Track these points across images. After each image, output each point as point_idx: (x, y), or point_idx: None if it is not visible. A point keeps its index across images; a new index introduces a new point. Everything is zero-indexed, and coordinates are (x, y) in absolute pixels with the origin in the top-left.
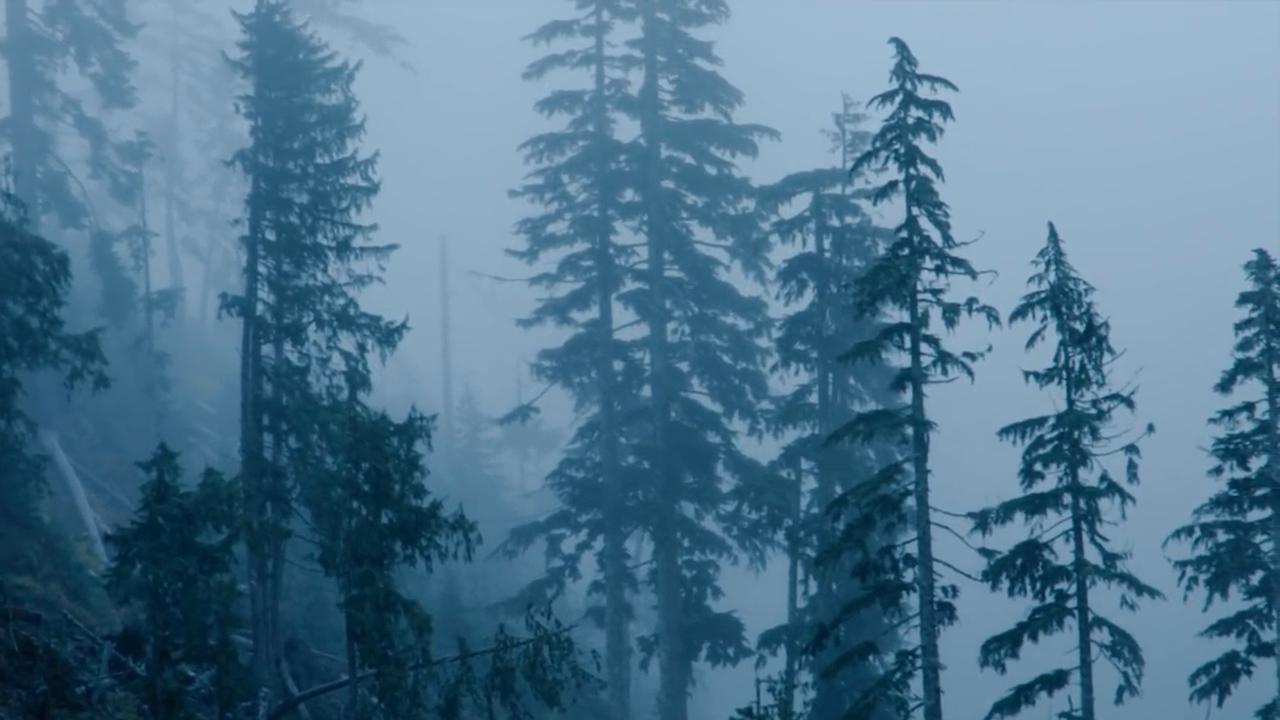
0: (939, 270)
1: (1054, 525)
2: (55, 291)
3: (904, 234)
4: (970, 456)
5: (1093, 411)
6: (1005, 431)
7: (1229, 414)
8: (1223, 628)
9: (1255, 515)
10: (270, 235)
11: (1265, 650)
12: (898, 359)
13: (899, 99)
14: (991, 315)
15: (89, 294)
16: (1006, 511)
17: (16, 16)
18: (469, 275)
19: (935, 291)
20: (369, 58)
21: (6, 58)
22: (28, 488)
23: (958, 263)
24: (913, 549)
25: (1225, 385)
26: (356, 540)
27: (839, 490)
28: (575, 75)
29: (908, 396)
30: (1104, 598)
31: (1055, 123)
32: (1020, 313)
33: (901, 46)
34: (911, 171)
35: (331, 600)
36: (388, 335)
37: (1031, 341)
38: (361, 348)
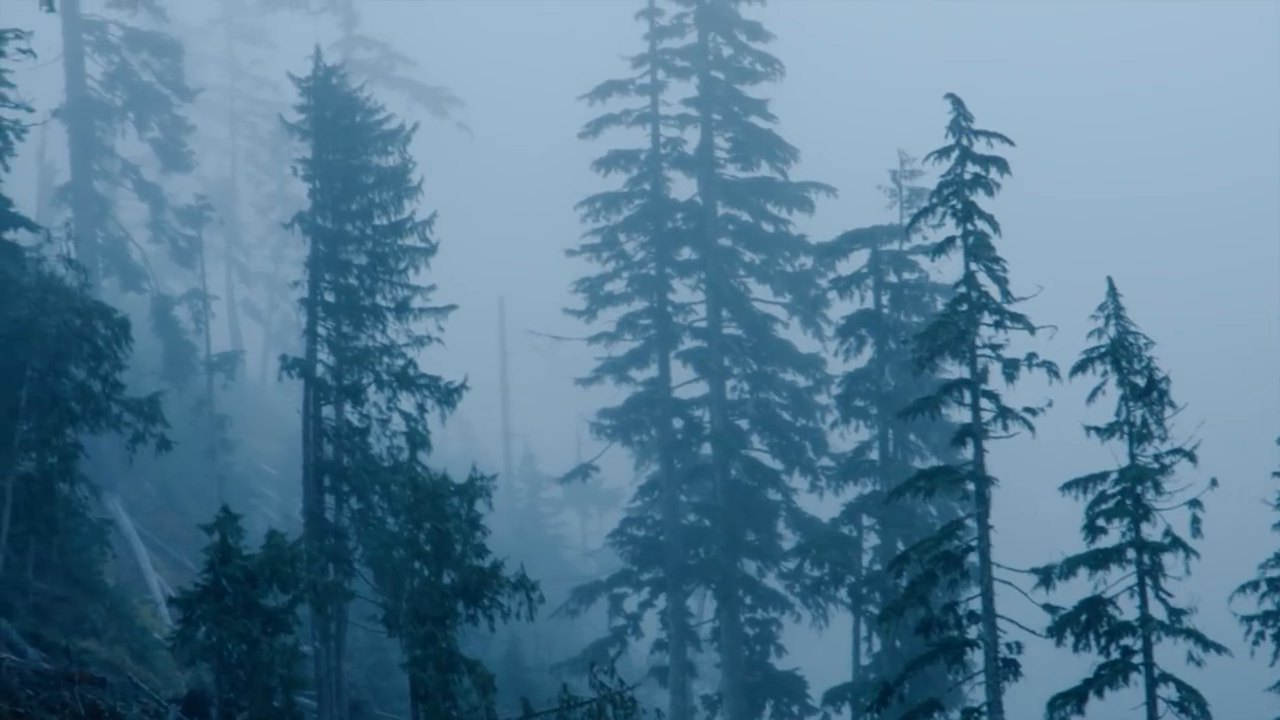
0: (998, 325)
1: (1118, 581)
2: (117, 355)
3: (962, 289)
4: (1032, 511)
5: (1155, 466)
6: (1067, 487)
7: None
8: None
9: None
10: (329, 297)
11: None
12: (958, 414)
13: (955, 154)
14: (1051, 370)
15: (150, 357)
16: (1070, 567)
17: (76, 82)
18: (527, 335)
19: (994, 347)
20: (425, 119)
21: (66, 123)
22: (92, 551)
23: (1016, 318)
24: (976, 605)
25: None
26: (419, 601)
27: (901, 547)
28: (631, 134)
29: (969, 452)
30: (1170, 653)
31: (1111, 171)
32: (1080, 367)
33: (957, 102)
34: (969, 227)
35: (395, 661)
36: (447, 395)
37: (1092, 396)
38: (421, 408)
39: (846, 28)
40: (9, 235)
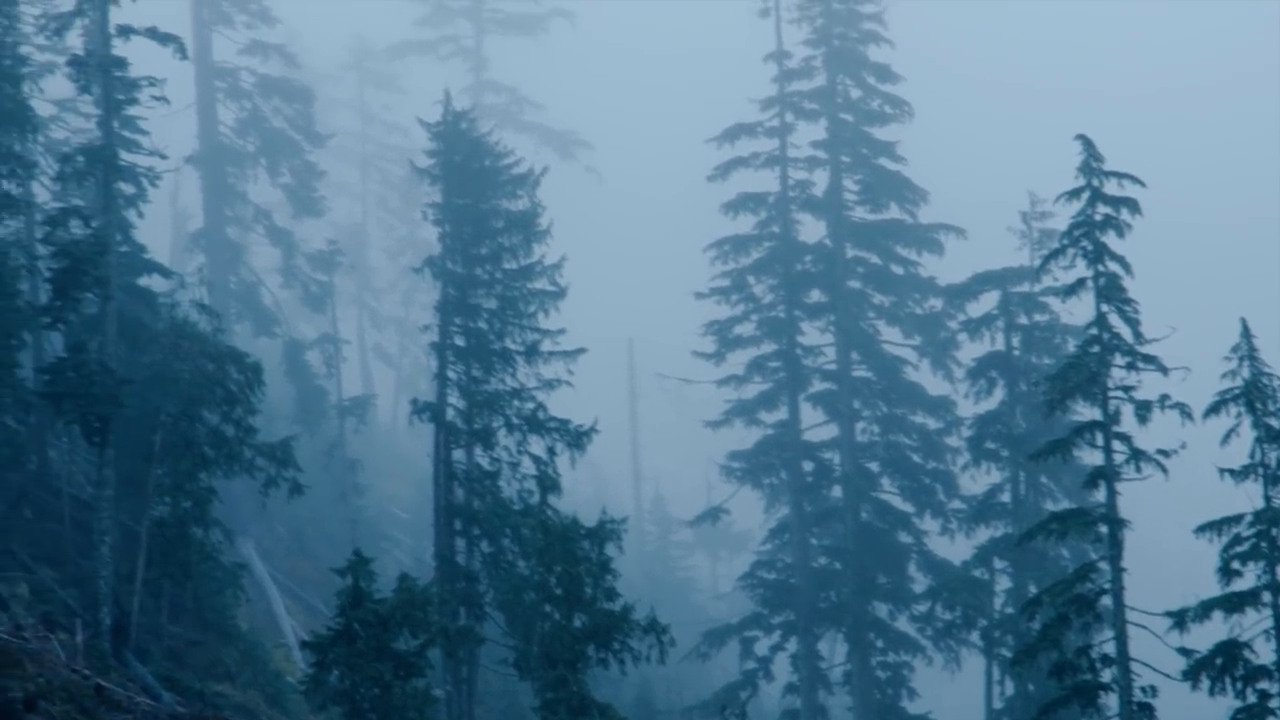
0: (1130, 367)
1: (1254, 624)
2: (250, 400)
3: (1093, 331)
4: (1166, 554)
5: None
6: (1201, 529)
7: None
8: None
9: None
10: (459, 341)
11: None
12: (1090, 456)
13: (1086, 196)
14: (1185, 412)
15: (282, 402)
16: (1204, 610)
17: (208, 129)
18: (657, 377)
19: (1127, 388)
20: (554, 163)
21: (199, 170)
22: (225, 595)
23: (1149, 359)
24: (1110, 648)
25: None
26: (550, 644)
27: (1033, 589)
28: (759, 177)
29: (1101, 494)
30: None
31: (1246, 202)
32: (1214, 409)
33: (1088, 143)
34: (1100, 268)
35: (526, 704)
36: (577, 439)
37: (1226, 438)
38: (551, 451)
39: (956, 49)
40: (143, 281)
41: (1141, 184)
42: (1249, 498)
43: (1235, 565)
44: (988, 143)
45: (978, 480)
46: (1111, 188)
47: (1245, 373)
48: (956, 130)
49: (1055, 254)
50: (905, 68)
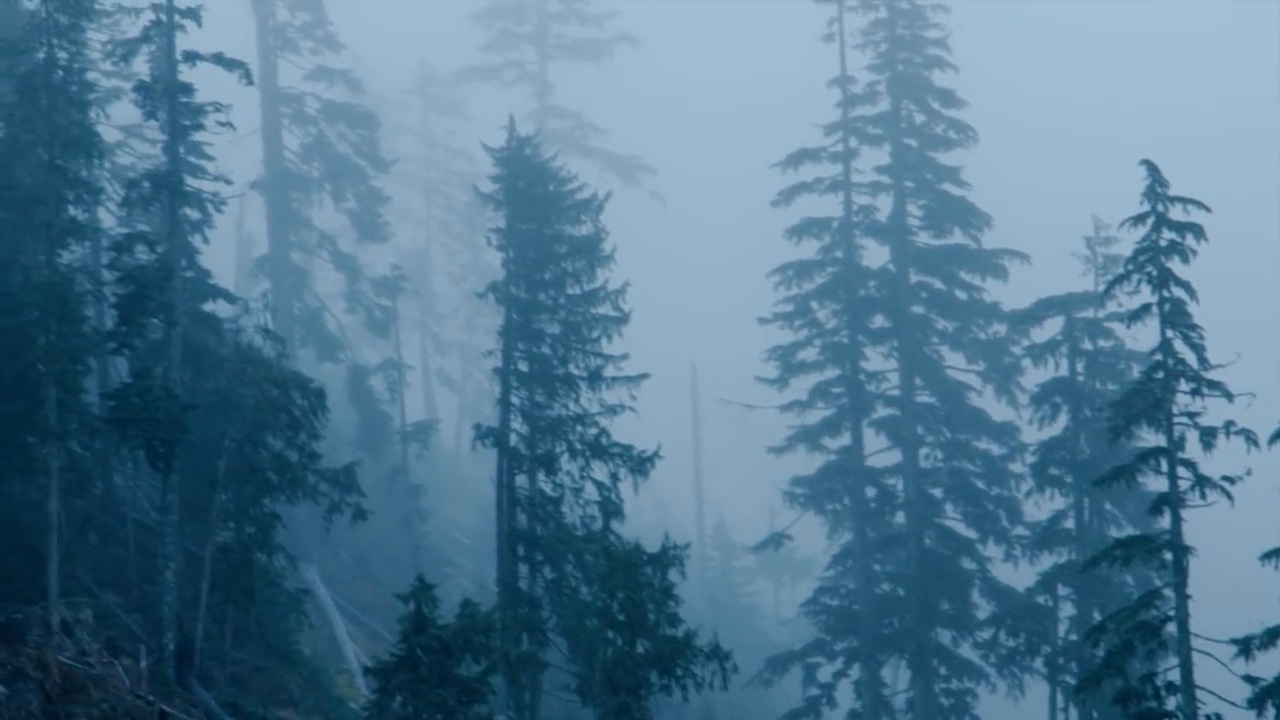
0: (1195, 393)
1: None
2: (313, 425)
3: (1158, 357)
4: (1231, 581)
5: None
6: (1267, 556)
7: None
8: None
9: None
10: (523, 366)
11: None
12: (1154, 483)
13: (1151, 221)
14: (1250, 438)
15: (346, 427)
16: (1270, 637)
17: (273, 155)
18: (720, 403)
19: (1191, 414)
20: (618, 188)
21: (264, 195)
22: (289, 621)
23: (1214, 385)
24: (1175, 676)
25: None
26: (612, 670)
27: (1097, 616)
28: (823, 202)
29: (1165, 521)
30: None
31: None
32: (1279, 436)
33: (1153, 168)
34: (1165, 294)
35: None
36: (640, 464)
37: None
38: (614, 477)
39: (1017, 66)
40: (208, 306)
41: (1207, 209)
42: None
43: None
44: (1050, 160)
45: (1041, 506)
46: (1176, 213)
47: None
48: (1019, 148)
49: (1120, 279)
50: (967, 84)
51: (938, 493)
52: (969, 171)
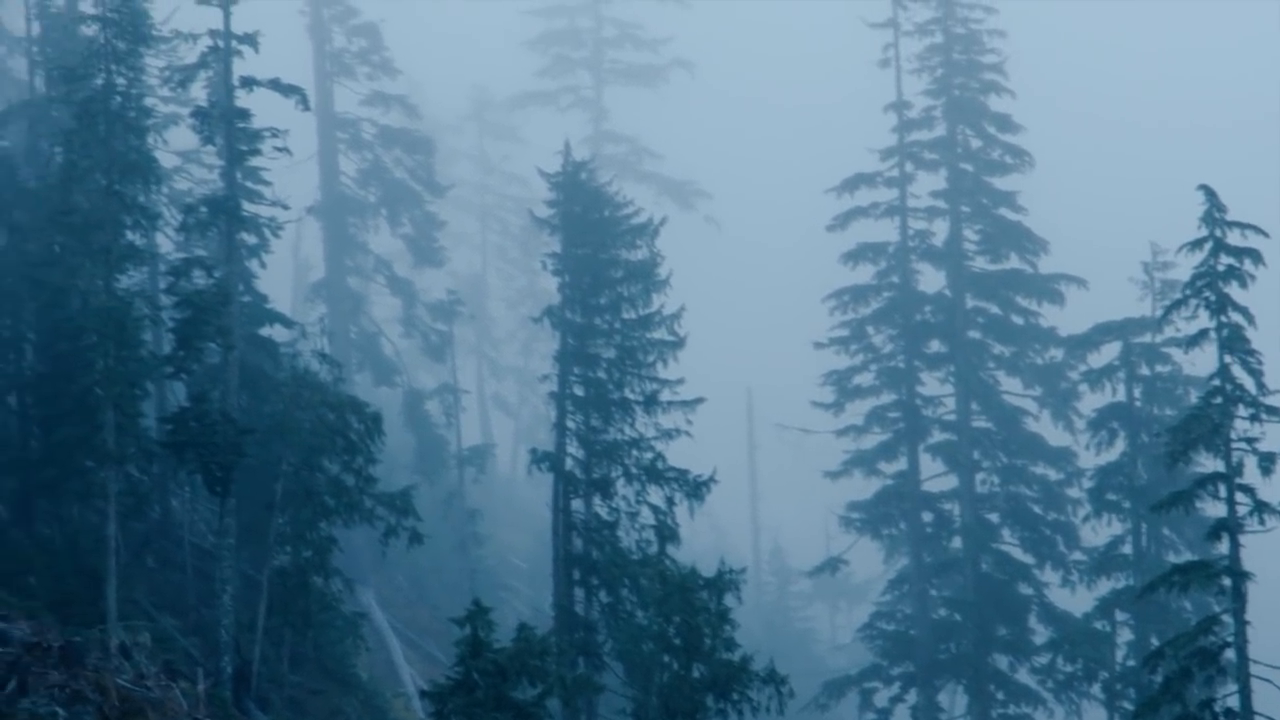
0: (1253, 419)
1: None
2: (370, 449)
3: (1216, 382)
4: None
5: None
6: None
7: None
8: None
9: None
10: (579, 391)
11: None
12: (1212, 508)
13: (1209, 246)
14: None
15: (402, 451)
16: None
17: (330, 180)
18: (776, 427)
19: (1250, 440)
20: (673, 212)
21: (321, 220)
22: (346, 644)
23: (1272, 410)
24: (1233, 702)
25: None
26: (669, 695)
27: (1155, 642)
28: (879, 226)
29: (1224, 546)
30: None
31: None
32: None
33: (1210, 193)
34: (1223, 319)
35: None
36: (696, 489)
37: None
38: (670, 501)
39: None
40: (265, 331)
41: (1265, 234)
42: None
43: None
44: (1107, 181)
45: (1099, 532)
46: (1234, 238)
47: None
48: (1075, 169)
49: (1177, 304)
50: (1022, 106)
51: (994, 518)
52: (1025, 195)
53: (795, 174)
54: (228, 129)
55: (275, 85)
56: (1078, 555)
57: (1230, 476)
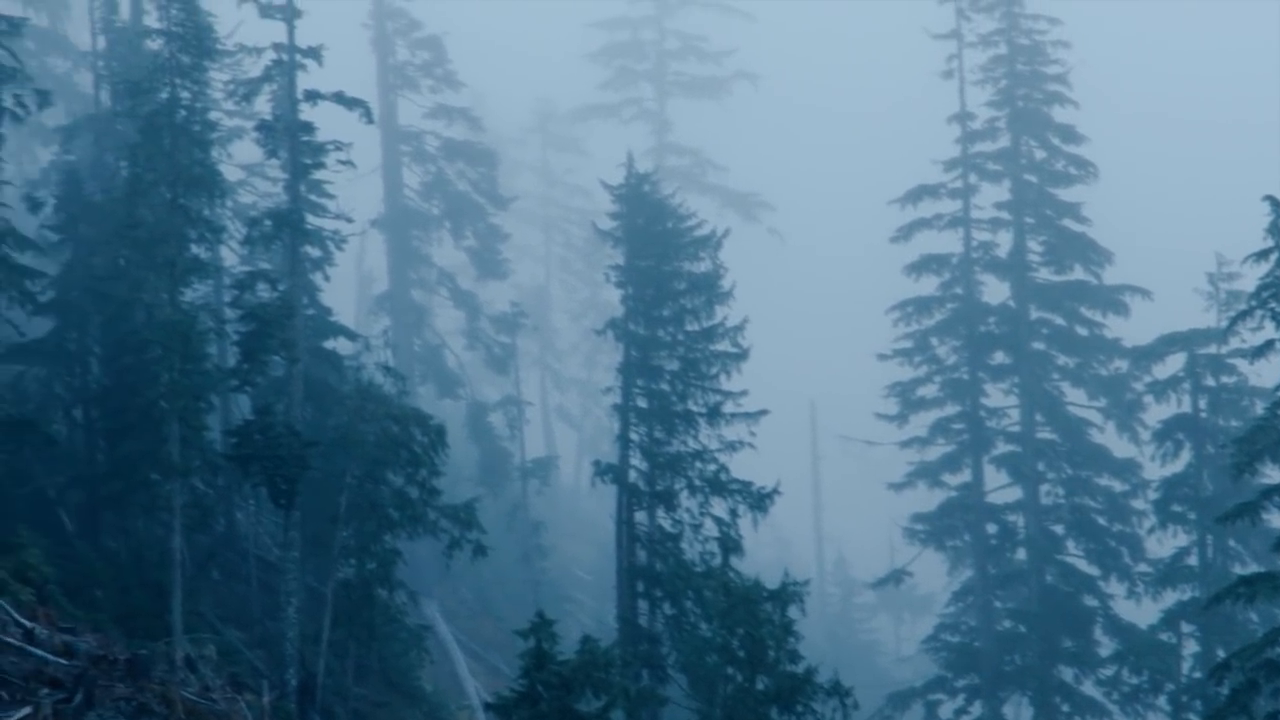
0: None
1: None
2: (434, 462)
3: None
4: None
5: None
6: None
7: None
8: None
9: None
10: (642, 403)
11: None
12: (1278, 520)
13: (1274, 257)
14: None
15: (466, 463)
16: None
17: (394, 193)
18: (839, 439)
19: None
20: (736, 224)
21: (385, 233)
22: (410, 657)
23: None
24: None
25: None
26: (733, 707)
27: (1221, 654)
28: (942, 238)
29: None
30: None
31: None
32: None
33: (1276, 204)
34: None
35: None
36: (759, 500)
37: None
38: (733, 513)
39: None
40: (329, 344)
41: None
42: None
43: None
44: (1172, 188)
45: (1164, 543)
46: None
47: None
48: (1140, 177)
49: (1243, 315)
50: (1085, 114)
51: (1059, 529)
52: (1089, 202)
53: (858, 184)
54: (292, 142)
55: (339, 99)
56: (1143, 567)
57: None
